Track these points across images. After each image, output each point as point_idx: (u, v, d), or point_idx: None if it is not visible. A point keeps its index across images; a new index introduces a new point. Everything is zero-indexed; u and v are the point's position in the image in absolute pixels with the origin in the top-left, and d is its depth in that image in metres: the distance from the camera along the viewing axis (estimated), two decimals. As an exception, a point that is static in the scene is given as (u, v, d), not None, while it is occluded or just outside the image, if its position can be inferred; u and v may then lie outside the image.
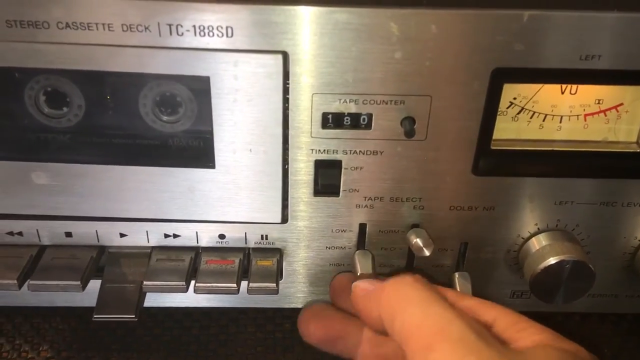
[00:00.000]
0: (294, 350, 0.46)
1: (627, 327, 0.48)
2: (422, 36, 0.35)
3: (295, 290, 0.47)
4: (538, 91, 0.40)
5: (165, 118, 0.39)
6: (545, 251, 0.42)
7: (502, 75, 0.37)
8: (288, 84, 0.37)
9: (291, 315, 0.48)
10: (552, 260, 0.41)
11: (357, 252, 0.43)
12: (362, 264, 0.42)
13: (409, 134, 0.37)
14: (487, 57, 0.36)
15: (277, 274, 0.42)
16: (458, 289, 0.44)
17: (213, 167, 0.39)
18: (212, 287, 0.41)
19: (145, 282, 0.40)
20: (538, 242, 0.43)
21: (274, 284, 0.41)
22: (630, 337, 0.47)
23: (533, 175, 0.41)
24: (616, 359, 0.45)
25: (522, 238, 0.44)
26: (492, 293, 0.47)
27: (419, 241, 0.41)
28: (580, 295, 0.42)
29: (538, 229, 0.43)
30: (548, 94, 0.40)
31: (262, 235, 0.43)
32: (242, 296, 0.46)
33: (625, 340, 0.47)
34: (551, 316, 0.49)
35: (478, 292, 0.45)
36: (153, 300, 0.46)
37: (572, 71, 0.36)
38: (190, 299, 0.46)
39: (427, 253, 0.41)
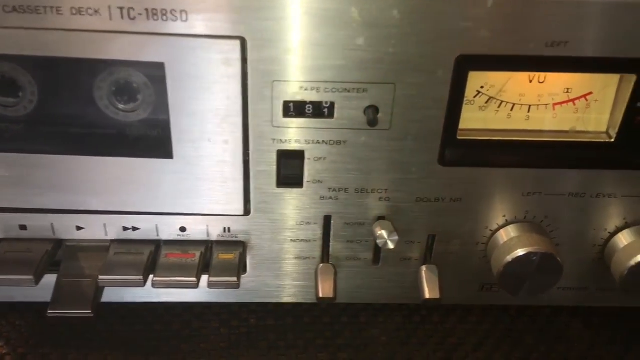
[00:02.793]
0: (258, 347, 0.44)
1: (598, 321, 0.48)
2: (384, 22, 0.34)
3: (260, 284, 0.45)
4: (507, 80, 0.39)
5: (121, 107, 0.38)
6: (512, 243, 0.41)
7: (467, 63, 0.36)
8: (247, 71, 0.36)
9: (257, 310, 0.47)
10: (520, 253, 0.40)
11: (320, 266, 0.43)
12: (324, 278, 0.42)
13: (372, 123, 0.36)
14: (451, 44, 0.35)
15: (239, 268, 0.41)
16: (425, 283, 0.43)
17: (171, 157, 0.38)
18: (170, 281, 0.39)
19: (100, 277, 0.39)
20: (506, 234, 0.42)
21: (235, 278, 0.40)
22: (602, 330, 0.47)
23: (501, 166, 0.40)
24: (587, 353, 0.45)
25: (490, 230, 0.43)
26: (461, 286, 0.46)
27: (383, 233, 0.40)
28: (547, 289, 0.41)
29: (506, 220, 0.42)
30: (516, 83, 0.39)
31: (224, 228, 0.42)
32: (208, 291, 0.45)
33: (597, 334, 0.47)
34: (522, 310, 0.48)
35: (447, 285, 0.45)
36: (115, 295, 0.45)
37: (538, 58, 0.35)
38: (153, 293, 0.45)
39: (391, 246, 0.40)
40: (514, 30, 0.35)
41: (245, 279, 0.45)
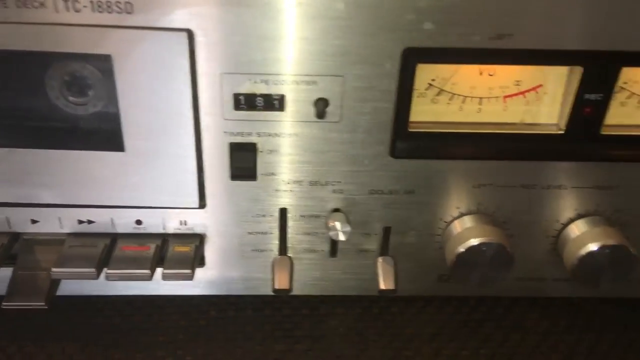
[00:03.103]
0: (216, 339, 0.45)
1: (555, 311, 0.48)
2: (330, 14, 0.35)
3: (220, 277, 0.46)
4: (458, 73, 0.39)
5: (72, 99, 0.38)
6: (465, 234, 0.41)
7: (413, 55, 0.36)
8: (195, 63, 0.36)
9: (217, 302, 0.48)
10: (471, 243, 0.41)
11: (276, 258, 0.43)
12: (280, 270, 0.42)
13: (320, 115, 0.37)
14: (397, 37, 0.35)
15: (194, 260, 0.41)
16: (380, 274, 0.43)
17: (122, 150, 0.38)
18: (124, 273, 0.39)
19: (53, 269, 0.39)
20: (460, 226, 0.43)
21: (189, 270, 0.40)
22: (558, 320, 0.47)
23: (452, 158, 0.40)
24: (541, 342, 0.45)
25: (445, 222, 0.43)
26: (419, 277, 0.46)
27: (335, 225, 0.40)
28: (498, 280, 0.42)
29: (460, 212, 0.43)
30: (466, 76, 0.39)
31: (180, 221, 0.42)
32: (169, 284, 0.45)
33: (553, 324, 0.47)
34: (481, 301, 0.49)
35: (406, 277, 0.45)
36: (76, 288, 0.45)
37: (483, 51, 0.36)
38: (109, 286, 0.45)
39: (342, 237, 0.40)
40: (458, 23, 0.35)
41: (204, 271, 0.45)
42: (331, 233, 0.40)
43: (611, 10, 0.35)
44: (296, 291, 0.47)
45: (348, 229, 0.40)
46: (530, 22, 0.35)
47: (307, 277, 0.46)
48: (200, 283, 0.46)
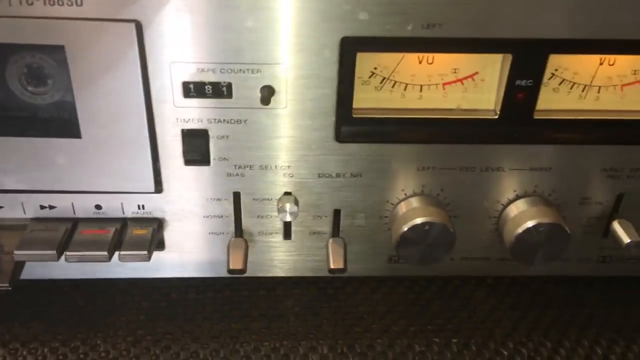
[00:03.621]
0: (176, 319, 0.47)
1: (502, 289, 0.51)
2: (271, 4, 0.37)
3: (180, 259, 0.48)
4: (399, 61, 0.41)
5: (31, 89, 0.40)
6: (409, 215, 0.44)
7: (351, 44, 0.38)
8: (145, 53, 0.38)
9: (178, 285, 0.50)
10: (417, 222, 0.43)
11: (231, 240, 0.45)
12: (235, 251, 0.44)
13: (264, 101, 0.39)
14: (335, 26, 0.37)
15: (151, 242, 0.43)
16: (330, 254, 0.45)
17: (79, 137, 0.40)
18: (83, 255, 0.41)
19: (16, 252, 0.41)
20: (406, 206, 0.45)
21: (145, 252, 0.42)
22: (504, 298, 0.50)
23: (395, 142, 0.43)
24: (486, 317, 0.48)
25: (392, 204, 0.46)
26: (370, 258, 0.48)
27: (283, 207, 0.42)
28: (441, 259, 0.44)
29: (405, 194, 0.45)
30: (407, 64, 0.42)
31: (139, 205, 0.44)
32: (131, 268, 0.47)
33: (500, 301, 0.50)
34: (432, 280, 0.51)
35: (356, 258, 0.48)
36: (43, 272, 0.47)
37: (416, 40, 0.38)
38: (75, 270, 0.47)
39: (288, 218, 0.42)
40: (392, 13, 0.37)
41: (164, 254, 0.47)
42: (280, 214, 0.42)
43: (538, 2, 0.37)
44: (254, 273, 0.49)
45: (295, 209, 0.42)
46: (461, 11, 0.37)
47: (264, 259, 0.48)
48: (162, 266, 0.48)
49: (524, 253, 0.44)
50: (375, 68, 0.42)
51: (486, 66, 0.42)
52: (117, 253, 0.43)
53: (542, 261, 0.44)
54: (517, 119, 0.42)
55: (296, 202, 0.43)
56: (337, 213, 0.46)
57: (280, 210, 0.42)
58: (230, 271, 0.44)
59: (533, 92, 0.41)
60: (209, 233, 0.46)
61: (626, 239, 0.44)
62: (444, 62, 0.42)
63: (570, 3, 0.37)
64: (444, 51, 0.40)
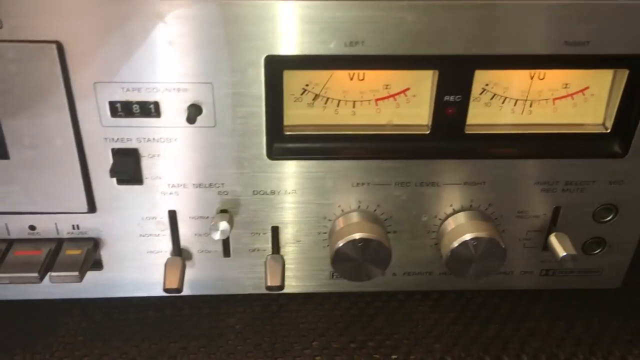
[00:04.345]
0: (114, 339, 0.46)
1: (447, 303, 0.50)
2: (195, 23, 0.37)
3: (119, 278, 0.47)
4: (329, 78, 0.41)
5: (-42, 110, 0.40)
6: (344, 231, 0.43)
7: (275, 63, 0.38)
8: (68, 74, 0.38)
9: (119, 305, 0.49)
10: (352, 237, 0.43)
11: (168, 259, 0.45)
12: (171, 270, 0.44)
13: (190, 120, 0.39)
14: (258, 45, 0.38)
15: (84, 263, 0.43)
16: (268, 271, 0.45)
17: (7, 158, 0.40)
18: (13, 277, 0.41)
19: (-57, 274, 0.41)
20: (343, 222, 0.45)
21: (77, 273, 0.42)
22: (448, 312, 0.50)
23: (327, 158, 0.43)
24: (429, 333, 0.48)
25: (329, 220, 0.46)
26: (312, 275, 0.48)
27: (215, 225, 0.42)
28: (377, 274, 0.44)
29: (342, 210, 0.45)
30: (338, 81, 0.42)
31: (73, 225, 0.44)
32: (72, 288, 0.47)
33: (442, 316, 0.49)
34: (377, 295, 0.51)
35: (299, 274, 0.48)
36: None
37: (340, 57, 0.38)
38: (15, 290, 0.47)
39: (217, 237, 0.42)
40: (314, 30, 0.37)
41: (103, 274, 0.47)
42: (211, 233, 0.42)
43: (463, 15, 0.38)
44: (196, 291, 0.49)
45: (226, 227, 0.42)
46: (380, 30, 0.37)
47: (205, 277, 0.48)
48: (101, 286, 0.48)
49: (460, 267, 0.44)
50: (307, 85, 0.42)
51: (417, 82, 0.42)
52: (53, 274, 0.43)
53: (478, 275, 0.44)
54: (448, 134, 0.42)
55: (230, 220, 0.43)
56: (275, 230, 0.46)
57: (212, 229, 0.42)
58: (165, 290, 0.44)
59: (462, 107, 0.41)
60: (147, 252, 0.46)
61: (561, 252, 0.44)
62: (375, 78, 0.42)
63: (493, 19, 0.38)
64: (367, 68, 0.40)
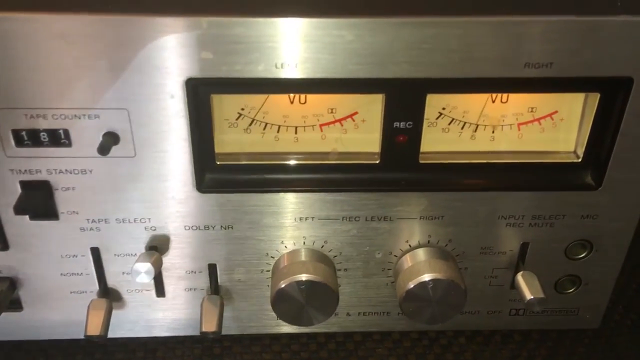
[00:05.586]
0: (35, 388, 0.42)
1: (408, 345, 0.46)
2: (100, 44, 0.32)
3: (41, 320, 0.43)
4: (265, 102, 0.37)
5: None
6: (286, 271, 0.39)
7: (199, 86, 0.34)
8: (-38, 99, 0.33)
9: (46, 348, 0.45)
10: (293, 279, 0.38)
11: (92, 301, 0.40)
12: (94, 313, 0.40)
13: (102, 150, 0.34)
14: (178, 67, 0.33)
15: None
16: (203, 314, 0.41)
17: None
18: None
19: None
20: (288, 259, 0.40)
21: (-14, 317, 0.37)
22: (408, 355, 0.45)
23: (263, 191, 0.38)
24: (386, 379, 0.43)
25: (272, 257, 0.41)
26: (257, 315, 0.44)
27: (134, 267, 0.38)
28: (325, 316, 0.39)
29: (285, 247, 0.41)
30: (276, 104, 0.37)
31: (-15, 264, 0.40)
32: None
33: (403, 358, 0.45)
34: (331, 337, 0.46)
35: (243, 315, 0.43)
36: None
37: (268, 81, 0.33)
38: None
39: (146, 280, 0.38)
40: (240, 51, 0.33)
41: (23, 315, 0.42)
42: (132, 275, 0.38)
43: (409, 34, 0.33)
44: (131, 333, 0.44)
45: (150, 269, 0.38)
46: (313, 51, 0.33)
47: (139, 319, 0.43)
48: (22, 329, 0.43)
49: (415, 309, 0.39)
50: (242, 109, 0.37)
51: (366, 105, 0.37)
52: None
53: (435, 320, 0.39)
54: (401, 164, 0.38)
55: (157, 259, 0.38)
56: (212, 268, 0.41)
57: (132, 272, 0.38)
58: (86, 337, 0.40)
59: (414, 135, 0.37)
60: (70, 292, 0.41)
61: (528, 295, 0.39)
62: (319, 102, 0.37)
63: (443, 38, 0.33)
64: (301, 92, 0.35)
